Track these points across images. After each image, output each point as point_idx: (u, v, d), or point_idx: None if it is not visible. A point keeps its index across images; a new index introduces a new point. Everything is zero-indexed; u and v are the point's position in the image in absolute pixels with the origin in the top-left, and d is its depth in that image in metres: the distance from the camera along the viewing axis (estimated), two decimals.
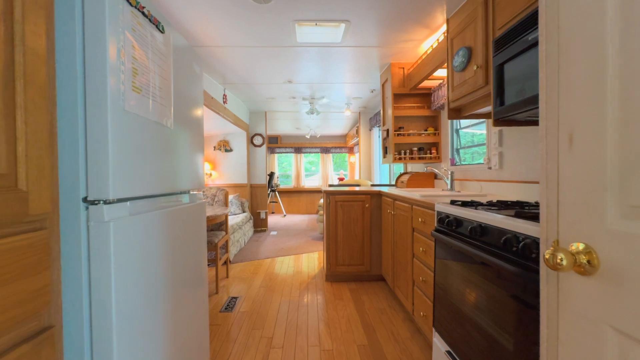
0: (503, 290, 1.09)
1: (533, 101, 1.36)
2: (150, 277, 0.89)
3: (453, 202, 1.62)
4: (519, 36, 1.43)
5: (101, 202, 0.76)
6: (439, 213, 1.69)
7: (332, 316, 2.39)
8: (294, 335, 2.10)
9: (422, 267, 2.02)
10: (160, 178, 0.97)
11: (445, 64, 2.38)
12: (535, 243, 0.94)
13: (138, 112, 0.83)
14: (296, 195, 8.27)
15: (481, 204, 1.50)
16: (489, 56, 1.72)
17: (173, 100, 1.04)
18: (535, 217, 1.07)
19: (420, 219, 2.07)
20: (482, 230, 1.24)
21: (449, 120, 2.98)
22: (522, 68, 1.43)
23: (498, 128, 2.28)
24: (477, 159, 2.81)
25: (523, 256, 0.99)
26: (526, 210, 1.23)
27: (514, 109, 1.48)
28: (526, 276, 0.95)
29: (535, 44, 1.33)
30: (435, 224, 1.72)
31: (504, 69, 1.57)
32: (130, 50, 0.78)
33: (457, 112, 2.20)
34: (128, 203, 0.85)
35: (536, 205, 1.44)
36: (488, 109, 1.97)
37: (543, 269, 0.77)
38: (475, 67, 1.78)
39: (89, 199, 0.75)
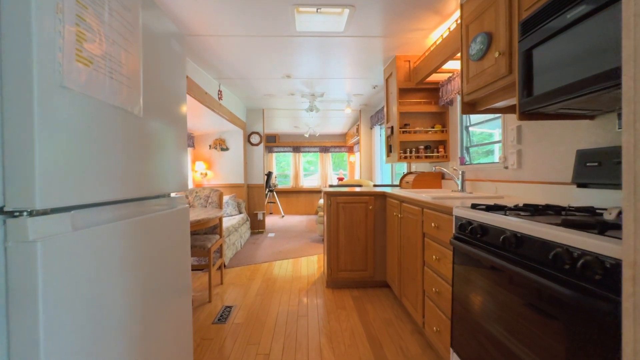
0: (551, 318, 0.90)
1: (571, 89, 1.17)
2: (107, 308, 0.68)
3: (475, 206, 1.43)
4: (553, 15, 1.24)
5: (24, 213, 0.54)
6: (458, 218, 1.50)
7: (334, 328, 2.20)
8: (293, 352, 1.91)
9: (435, 277, 1.83)
10: (129, 178, 0.77)
11: (458, 54, 2.19)
12: (598, 261, 0.75)
13: (87, 92, 0.62)
14: (294, 195, 8.05)
15: (510, 209, 1.31)
16: (514, 41, 1.53)
17: (143, 82, 0.83)
18: (586, 227, 0.88)
19: (433, 224, 1.88)
20: (519, 240, 1.04)
21: (459, 117, 2.79)
22: (557, 52, 1.24)
23: (516, 124, 2.09)
24: (486, 158, 2.62)
25: (582, 277, 0.80)
26: (576, 218, 1.04)
27: (546, 100, 1.29)
28: (589, 303, 0.76)
29: (574, 22, 1.14)
30: (454, 231, 1.53)
31: (533, 54, 1.38)
32: (74, 5, 0.57)
33: (471, 107, 2.01)
34: (71, 213, 0.63)
35: (574, 209, 1.25)
36: (508, 102, 1.78)
37: (628, 301, 0.58)
38: (496, 54, 1.59)
39: (5, 209, 0.53)
